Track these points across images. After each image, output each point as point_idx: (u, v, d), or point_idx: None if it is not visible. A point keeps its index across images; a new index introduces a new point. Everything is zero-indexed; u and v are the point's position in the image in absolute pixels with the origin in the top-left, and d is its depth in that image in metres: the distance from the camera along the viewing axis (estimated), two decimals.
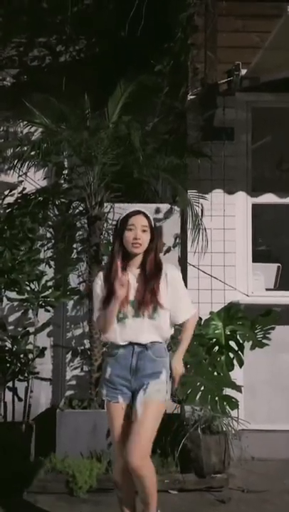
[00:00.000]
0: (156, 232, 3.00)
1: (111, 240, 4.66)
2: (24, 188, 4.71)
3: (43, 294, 4.45)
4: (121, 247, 2.94)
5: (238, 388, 4.12)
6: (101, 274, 3.04)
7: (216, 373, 4.16)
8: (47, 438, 4.16)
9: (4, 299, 4.57)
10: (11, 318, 4.94)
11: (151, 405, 2.84)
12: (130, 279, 2.91)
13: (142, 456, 2.79)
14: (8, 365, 4.38)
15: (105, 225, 4.65)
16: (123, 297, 2.85)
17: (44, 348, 4.55)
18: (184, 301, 3.02)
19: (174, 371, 3.02)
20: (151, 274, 2.92)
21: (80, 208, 4.68)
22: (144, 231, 2.91)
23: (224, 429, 4.07)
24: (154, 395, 2.86)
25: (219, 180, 4.79)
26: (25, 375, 4.41)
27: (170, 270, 3.01)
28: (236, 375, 4.29)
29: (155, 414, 2.86)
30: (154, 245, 2.97)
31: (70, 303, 4.89)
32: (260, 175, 5.00)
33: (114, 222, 4.65)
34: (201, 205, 4.59)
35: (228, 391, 4.08)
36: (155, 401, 2.85)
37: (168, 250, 4.93)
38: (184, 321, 3.02)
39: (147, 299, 2.87)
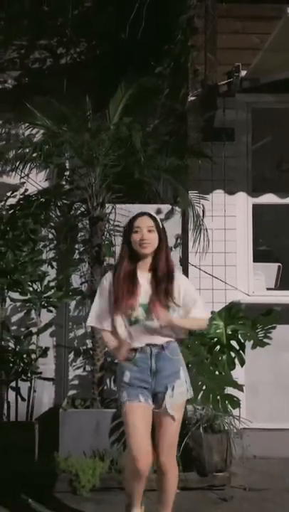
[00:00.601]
0: (164, 233, 2.99)
1: (113, 241, 4.70)
2: (26, 190, 4.72)
3: (45, 295, 4.47)
4: (129, 250, 2.94)
5: (240, 387, 4.12)
6: (109, 276, 3.02)
7: (217, 372, 4.16)
8: (50, 437, 4.16)
9: (7, 299, 4.58)
10: (14, 319, 4.94)
11: (178, 408, 2.94)
12: (142, 282, 2.92)
13: (171, 454, 2.95)
14: (11, 365, 4.39)
15: (107, 225, 4.65)
16: (135, 300, 2.86)
17: (47, 348, 4.56)
18: (199, 303, 3.02)
19: (160, 312, 2.87)
20: (163, 276, 2.91)
21: (82, 209, 4.69)
22: (150, 231, 2.91)
23: (226, 427, 4.08)
24: (179, 398, 2.94)
25: (220, 181, 4.79)
26: (28, 375, 4.42)
27: (179, 276, 3.03)
28: (238, 374, 4.28)
29: (181, 415, 2.98)
30: (164, 246, 2.97)
31: (73, 303, 4.89)
32: (261, 175, 5.00)
33: (116, 223, 4.71)
34: (202, 205, 4.59)
35: (229, 390, 4.08)
36: (181, 404, 2.97)
37: (170, 250, 4.92)
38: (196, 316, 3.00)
39: (160, 302, 2.86)
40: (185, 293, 2.97)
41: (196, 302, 2.99)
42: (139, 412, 2.88)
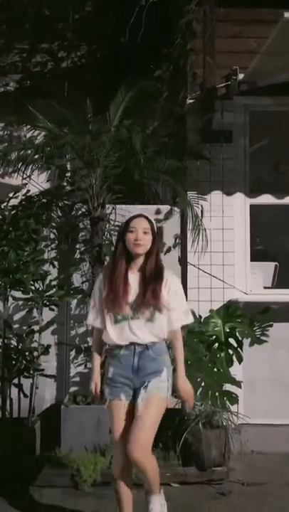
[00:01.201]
0: (157, 236, 3.02)
1: (113, 241, 4.70)
2: (28, 191, 4.72)
3: (47, 293, 4.47)
4: (124, 249, 2.96)
5: (238, 384, 4.15)
6: (101, 277, 3.05)
7: (216, 369, 4.18)
8: (52, 433, 4.18)
9: (10, 298, 4.59)
10: (16, 317, 4.95)
11: (152, 402, 2.87)
12: (131, 281, 2.94)
13: (143, 450, 2.81)
14: (13, 362, 4.41)
15: (107, 226, 4.66)
16: (124, 298, 2.88)
17: (48, 346, 4.57)
18: (180, 309, 3.02)
19: (182, 393, 3.01)
20: (151, 277, 2.93)
21: (83, 210, 4.70)
22: (145, 233, 2.93)
23: (224, 423, 4.09)
24: (155, 392, 2.89)
25: (218, 182, 4.80)
26: (31, 372, 4.42)
27: (170, 277, 3.02)
28: (236, 371, 4.31)
29: (156, 410, 2.89)
30: (156, 248, 2.99)
31: (74, 302, 4.91)
32: (258, 177, 5.01)
33: (116, 223, 4.73)
34: (201, 206, 4.61)
35: (227, 386, 4.10)
36: (156, 398, 2.89)
37: (168, 250, 4.95)
38: (175, 330, 3.00)
39: (147, 301, 2.88)
40: (170, 298, 2.97)
41: (175, 312, 2.99)
42: (120, 410, 2.93)
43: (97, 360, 3.12)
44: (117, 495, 3.04)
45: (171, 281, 3.00)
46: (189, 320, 3.11)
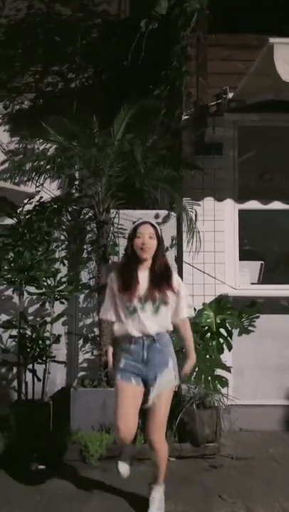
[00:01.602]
0: (162, 240, 3.06)
1: (116, 242, 4.70)
2: (41, 197, 4.71)
3: (58, 289, 4.46)
4: (133, 252, 3.01)
5: (228, 369, 4.13)
6: (112, 276, 3.09)
7: (208, 356, 4.17)
8: (62, 413, 4.17)
9: (25, 293, 4.58)
10: (31, 310, 4.95)
11: (164, 394, 2.96)
12: (140, 278, 2.98)
13: (159, 434, 2.95)
14: (28, 350, 4.39)
15: (112, 228, 4.65)
16: (134, 293, 2.92)
17: (59, 335, 4.55)
18: (185, 302, 3.09)
19: (190, 362, 3.10)
20: (160, 275, 2.98)
21: (90, 214, 4.68)
22: (150, 238, 2.99)
23: (216, 404, 4.09)
24: (166, 384, 2.97)
25: (210, 190, 4.79)
26: (44, 358, 4.41)
27: (176, 276, 3.09)
28: (226, 357, 4.30)
29: (168, 400, 2.98)
30: (161, 251, 3.04)
31: (82, 296, 4.89)
32: (246, 185, 5.00)
33: (120, 226, 4.72)
34: (195, 210, 4.61)
35: (219, 371, 4.09)
36: (168, 390, 2.98)
37: (166, 250, 4.92)
38: (183, 320, 3.07)
39: (155, 295, 2.93)
40: (180, 295, 3.05)
41: (182, 304, 3.06)
42: (129, 391, 2.95)
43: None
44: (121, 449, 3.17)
45: (176, 280, 3.07)
46: (191, 313, 3.17)
